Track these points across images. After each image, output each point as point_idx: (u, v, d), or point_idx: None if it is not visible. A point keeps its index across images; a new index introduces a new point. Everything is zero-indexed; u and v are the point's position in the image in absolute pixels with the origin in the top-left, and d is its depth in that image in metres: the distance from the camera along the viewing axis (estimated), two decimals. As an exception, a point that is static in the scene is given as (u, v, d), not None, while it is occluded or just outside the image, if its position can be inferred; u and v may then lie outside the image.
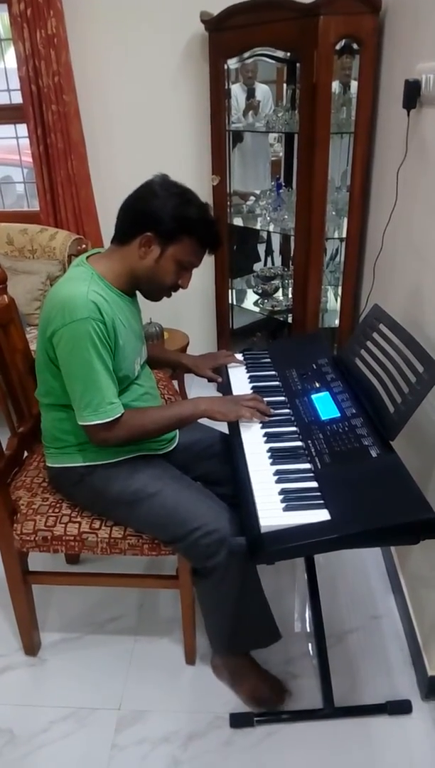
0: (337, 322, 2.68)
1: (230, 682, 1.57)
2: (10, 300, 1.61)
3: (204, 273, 2.87)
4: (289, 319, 2.74)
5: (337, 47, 2.14)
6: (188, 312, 3.00)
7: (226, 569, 1.37)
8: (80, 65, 2.66)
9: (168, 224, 1.32)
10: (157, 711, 1.54)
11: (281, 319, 2.84)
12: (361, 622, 1.77)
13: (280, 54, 2.62)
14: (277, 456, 1.33)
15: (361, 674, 1.62)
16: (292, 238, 2.53)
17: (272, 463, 1.31)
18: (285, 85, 2.81)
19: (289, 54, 2.57)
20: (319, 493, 1.20)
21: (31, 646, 1.68)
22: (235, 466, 1.36)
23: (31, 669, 1.66)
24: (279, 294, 3.01)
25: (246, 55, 2.55)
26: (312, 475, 1.26)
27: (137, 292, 1.50)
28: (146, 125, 2.79)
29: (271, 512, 1.16)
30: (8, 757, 1.44)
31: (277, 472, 1.28)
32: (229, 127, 2.66)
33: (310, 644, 1.69)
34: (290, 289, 2.91)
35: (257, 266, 3.56)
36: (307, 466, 1.29)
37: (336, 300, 2.85)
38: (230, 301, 2.96)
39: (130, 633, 1.75)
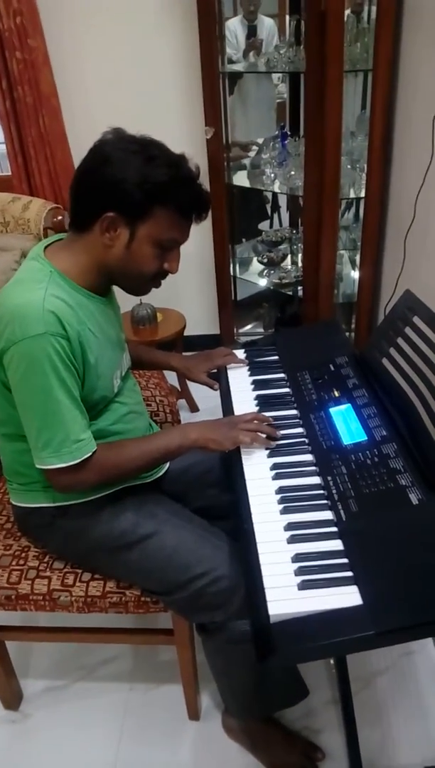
0: (351, 291, 2.35)
1: (250, 747, 1.35)
2: None
3: (202, 240, 2.53)
4: (300, 292, 2.41)
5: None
6: (183, 286, 2.67)
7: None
8: (46, 2, 2.25)
9: (132, 196, 1.00)
10: (155, 782, 1.32)
11: (289, 293, 2.51)
12: (390, 660, 1.52)
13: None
14: (289, 499, 1.05)
15: (392, 724, 1.39)
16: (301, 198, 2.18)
17: (283, 511, 1.03)
18: (288, 15, 2.40)
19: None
20: (345, 560, 0.91)
21: (11, 700, 1.46)
22: (237, 510, 1.08)
23: (11, 726, 1.45)
24: (287, 262, 2.67)
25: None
26: (335, 530, 0.97)
27: (113, 288, 1.20)
28: (128, 70, 2.39)
29: (283, 591, 0.88)
30: None
31: (289, 525, 0.99)
32: (224, 69, 2.27)
33: (332, 692, 1.45)
34: (300, 256, 2.57)
35: (264, 225, 3.20)
36: (329, 515, 1.01)
37: (353, 266, 2.51)
38: (232, 273, 2.62)
39: (124, 679, 1.52)
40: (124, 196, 1.00)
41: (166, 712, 1.44)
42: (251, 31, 2.49)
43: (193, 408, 2.53)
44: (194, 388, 2.50)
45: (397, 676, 1.48)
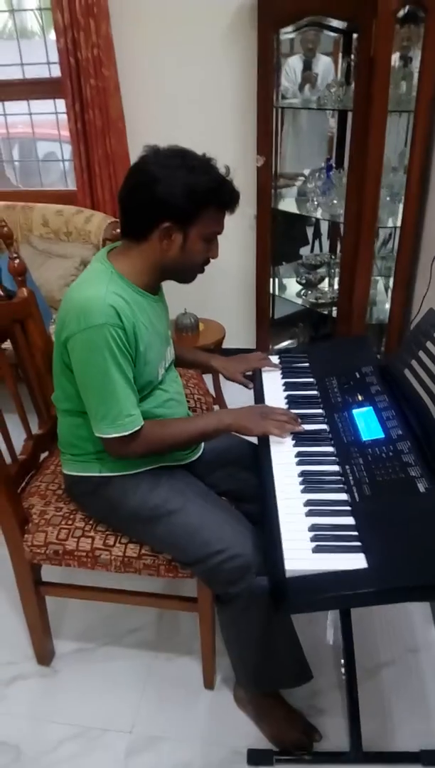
0: (383, 316, 2.48)
1: (255, 718, 1.46)
2: (29, 293, 1.50)
3: (245, 260, 2.73)
4: (334, 313, 2.56)
5: (400, 14, 1.92)
6: (225, 300, 2.85)
7: (250, 598, 1.25)
8: (121, 37, 2.51)
9: (183, 206, 1.17)
10: (170, 739, 1.44)
11: (325, 312, 2.66)
12: (396, 654, 1.62)
13: (336, 24, 2.40)
14: (309, 482, 1.19)
15: (394, 714, 1.48)
16: (341, 225, 2.34)
17: (304, 491, 1.17)
18: (340, 57, 2.59)
19: (345, 24, 2.35)
20: (355, 533, 1.05)
21: (44, 656, 1.61)
22: (263, 488, 1.22)
23: (42, 680, 1.59)
24: (324, 284, 2.82)
25: (293, 27, 2.34)
26: (349, 509, 1.11)
27: (162, 288, 1.37)
28: (189, 101, 2.62)
29: (299, 552, 1.02)
30: (13, 778, 1.38)
31: (308, 502, 1.13)
32: (279, 104, 2.47)
33: (339, 677, 1.56)
34: (337, 279, 2.72)
35: (305, 250, 3.36)
36: (344, 497, 1.14)
37: (387, 292, 2.65)
38: (272, 291, 2.79)
39: (148, 648, 1.66)
40: (177, 207, 1.17)
41: (185, 680, 1.56)
42: (307, 66, 2.69)
43: (226, 414, 2.67)
44: (227, 394, 2.65)
45: (401, 669, 1.58)
